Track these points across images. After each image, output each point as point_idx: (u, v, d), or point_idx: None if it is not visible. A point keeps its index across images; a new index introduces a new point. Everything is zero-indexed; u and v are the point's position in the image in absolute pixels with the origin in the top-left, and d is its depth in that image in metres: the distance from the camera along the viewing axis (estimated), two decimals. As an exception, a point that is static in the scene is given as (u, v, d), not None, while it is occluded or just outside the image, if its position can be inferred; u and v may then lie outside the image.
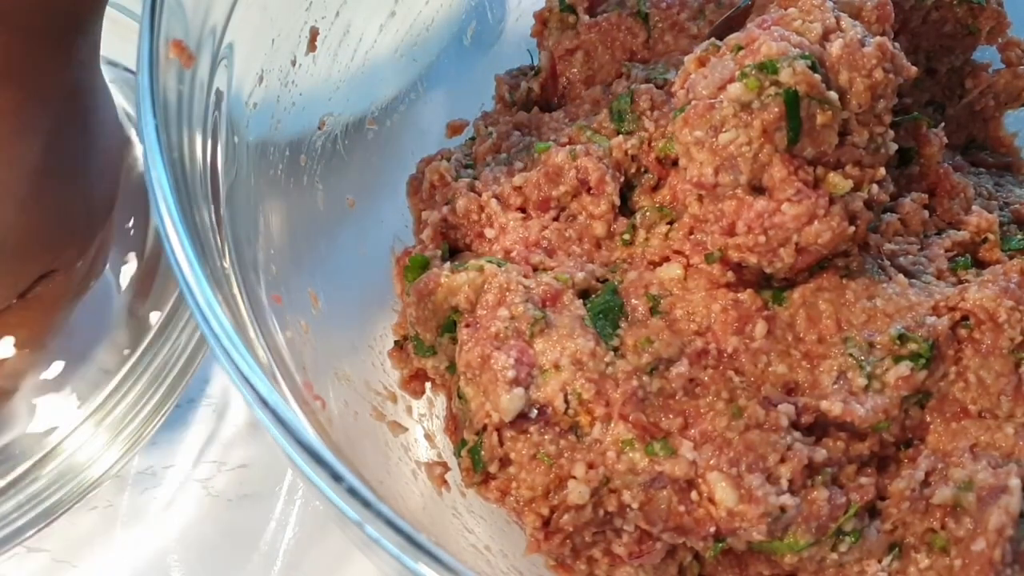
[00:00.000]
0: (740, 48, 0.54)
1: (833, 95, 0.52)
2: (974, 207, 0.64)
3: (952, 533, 0.53)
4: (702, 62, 0.56)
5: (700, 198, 0.56)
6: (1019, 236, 0.64)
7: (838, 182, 0.54)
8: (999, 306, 0.55)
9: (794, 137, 0.52)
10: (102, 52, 0.64)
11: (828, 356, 0.56)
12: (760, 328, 0.56)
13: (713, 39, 0.58)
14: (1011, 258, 0.60)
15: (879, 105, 0.54)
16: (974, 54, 0.71)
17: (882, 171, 0.55)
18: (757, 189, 0.54)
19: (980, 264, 0.62)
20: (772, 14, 0.57)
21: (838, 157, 0.54)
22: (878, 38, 0.55)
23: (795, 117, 0.52)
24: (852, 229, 0.54)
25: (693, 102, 0.54)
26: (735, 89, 0.52)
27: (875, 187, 0.55)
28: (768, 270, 0.56)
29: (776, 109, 0.52)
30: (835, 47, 0.53)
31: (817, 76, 0.52)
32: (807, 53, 0.53)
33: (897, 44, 0.56)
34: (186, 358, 0.69)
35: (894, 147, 0.56)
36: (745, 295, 0.57)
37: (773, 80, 0.52)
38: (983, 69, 0.72)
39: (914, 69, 0.56)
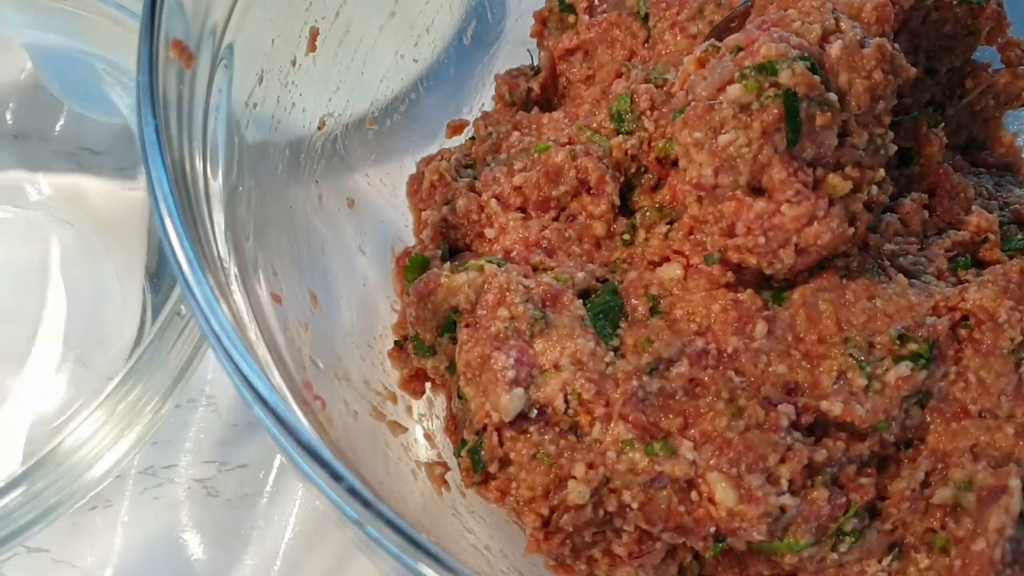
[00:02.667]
0: (739, 49, 0.54)
1: (832, 96, 0.52)
2: (974, 207, 0.64)
3: (952, 533, 0.53)
4: (702, 63, 0.56)
5: (700, 199, 0.56)
6: (1019, 236, 0.64)
7: (838, 183, 0.54)
8: (999, 306, 0.55)
9: (793, 138, 0.52)
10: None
11: (828, 356, 0.56)
12: (760, 328, 0.56)
13: (713, 40, 0.58)
14: (1011, 258, 0.60)
15: (879, 106, 0.54)
16: (974, 54, 0.71)
17: (882, 172, 0.55)
18: (757, 190, 0.54)
19: (980, 264, 0.62)
20: (772, 15, 0.56)
21: (838, 158, 0.54)
22: (877, 39, 0.54)
23: (794, 118, 0.52)
24: (852, 230, 0.54)
25: (692, 103, 0.54)
26: (734, 90, 0.52)
27: (875, 188, 0.55)
28: (768, 271, 0.56)
29: (775, 110, 0.52)
30: (834, 48, 0.53)
31: (816, 77, 0.52)
32: (806, 54, 0.53)
33: (897, 45, 0.56)
34: (186, 358, 0.69)
35: (894, 148, 0.56)
36: (745, 295, 0.57)
37: (772, 81, 0.52)
38: (983, 69, 0.72)
39: (914, 70, 0.56)
